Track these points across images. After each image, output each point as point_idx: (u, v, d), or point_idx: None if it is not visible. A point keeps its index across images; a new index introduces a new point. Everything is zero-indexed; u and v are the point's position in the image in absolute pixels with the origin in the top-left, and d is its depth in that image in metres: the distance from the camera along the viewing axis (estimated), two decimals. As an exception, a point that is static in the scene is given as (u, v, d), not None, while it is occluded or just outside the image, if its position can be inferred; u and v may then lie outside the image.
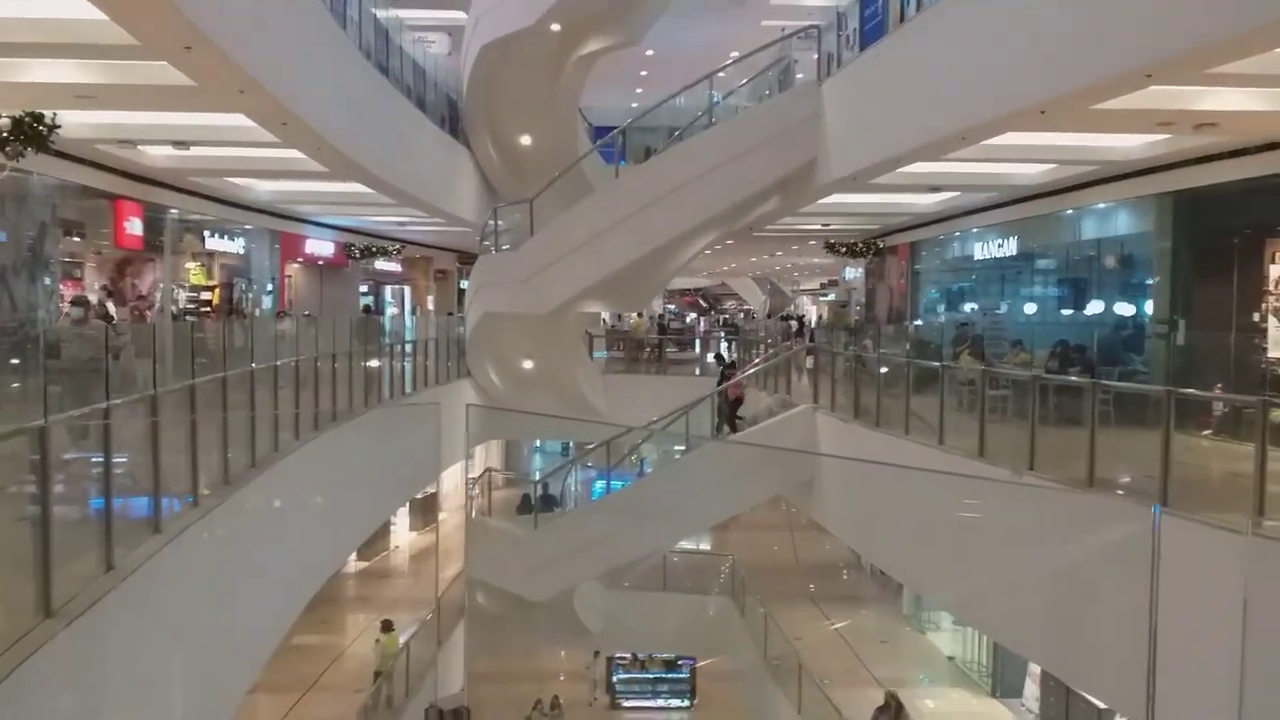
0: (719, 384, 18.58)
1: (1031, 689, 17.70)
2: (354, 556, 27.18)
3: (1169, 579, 7.28)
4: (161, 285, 17.55)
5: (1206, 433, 9.18)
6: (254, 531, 9.64)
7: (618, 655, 23.26)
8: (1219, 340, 11.89)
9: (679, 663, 23.38)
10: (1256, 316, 12.77)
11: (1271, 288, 12.68)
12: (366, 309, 26.94)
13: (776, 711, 16.50)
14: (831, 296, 43.02)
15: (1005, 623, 10.92)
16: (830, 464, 15.37)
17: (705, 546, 28.36)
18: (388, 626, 18.28)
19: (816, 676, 17.21)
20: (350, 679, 18.11)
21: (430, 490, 31.36)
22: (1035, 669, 17.22)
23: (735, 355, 24.97)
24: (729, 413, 17.70)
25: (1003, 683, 18.54)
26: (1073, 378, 10.74)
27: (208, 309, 18.66)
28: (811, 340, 19.78)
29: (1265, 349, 11.66)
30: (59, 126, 10.47)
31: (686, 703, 23.09)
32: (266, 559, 9.65)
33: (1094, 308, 16.43)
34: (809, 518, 18.91)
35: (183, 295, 18.63)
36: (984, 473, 10.39)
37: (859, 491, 14.68)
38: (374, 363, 15.23)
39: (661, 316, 40.36)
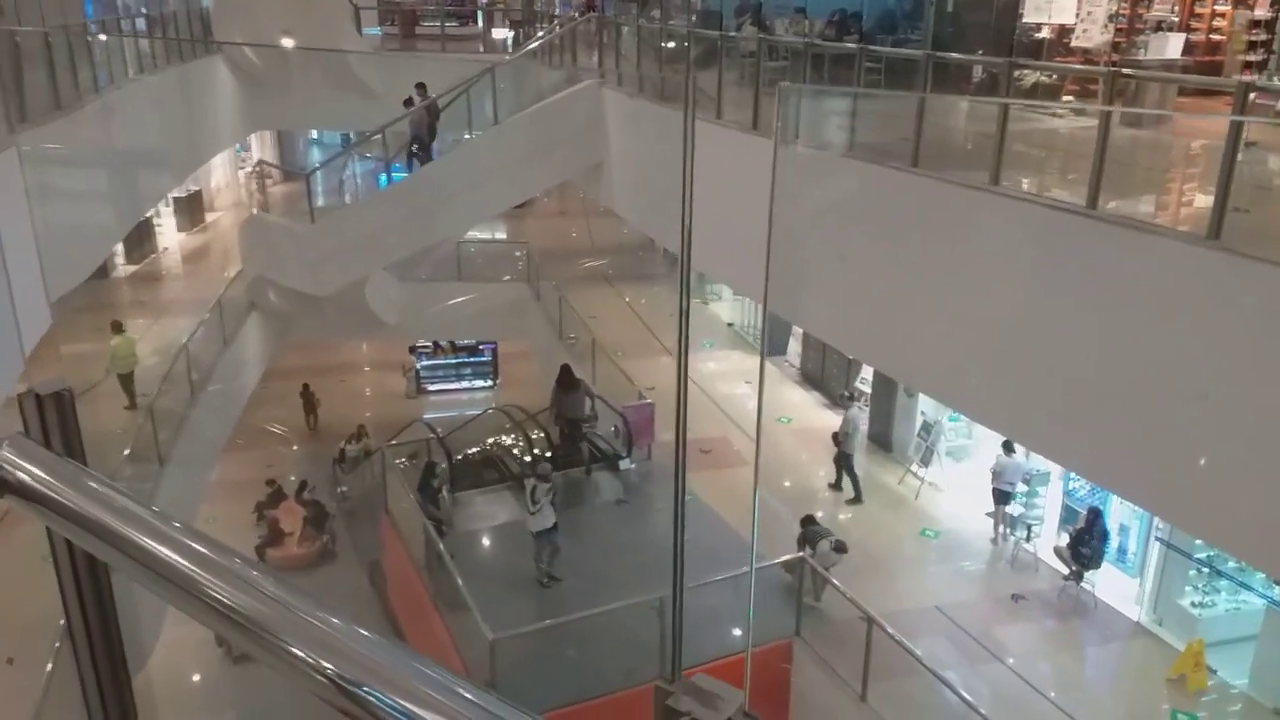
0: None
1: (794, 347, 19.46)
2: (121, 260, 25.47)
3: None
4: None
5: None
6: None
7: (419, 344, 23.66)
8: (983, 8, 12.18)
9: (480, 347, 24.09)
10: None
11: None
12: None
13: (572, 383, 17.43)
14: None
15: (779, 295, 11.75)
16: (619, 146, 15.24)
17: (501, 235, 28.37)
18: (117, 328, 17.42)
19: (609, 349, 18.15)
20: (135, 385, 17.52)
21: (194, 188, 29.23)
22: (798, 330, 18.83)
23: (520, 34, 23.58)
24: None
25: (771, 343, 20.25)
26: (846, 44, 10.82)
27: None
28: (600, 12, 18.82)
29: (1022, 15, 12.03)
30: None
31: (490, 383, 24.07)
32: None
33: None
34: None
35: None
36: (759, 145, 10.60)
37: (646, 174, 14.76)
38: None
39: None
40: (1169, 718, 10.22)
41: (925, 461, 15.08)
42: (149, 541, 1.00)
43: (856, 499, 15.01)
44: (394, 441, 15.74)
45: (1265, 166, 8.27)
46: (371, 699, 0.84)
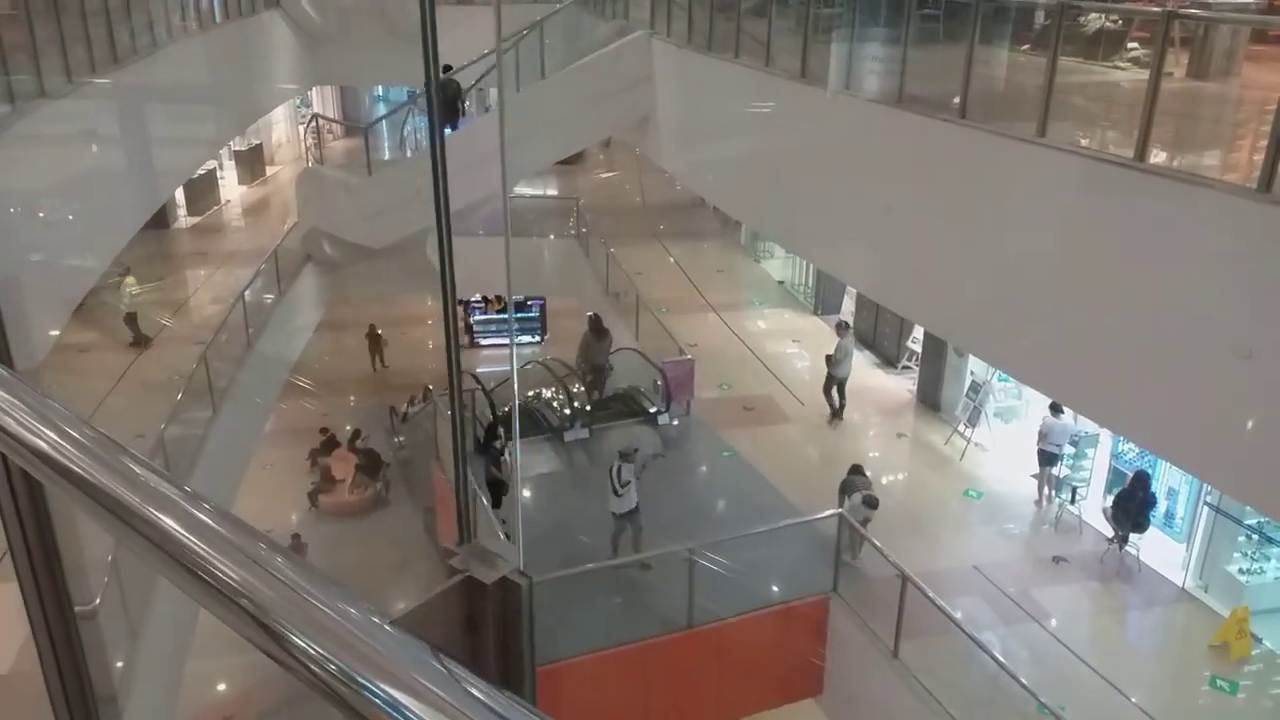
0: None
1: (848, 305, 19.25)
2: (184, 212, 26.12)
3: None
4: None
5: (1025, 48, 9.29)
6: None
7: (473, 299, 23.95)
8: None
9: (529, 303, 24.30)
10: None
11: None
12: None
13: (619, 338, 17.49)
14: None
15: (826, 251, 11.66)
16: (667, 99, 15.13)
17: (553, 192, 28.44)
18: (124, 271, 18.35)
19: (654, 306, 18.16)
20: (192, 330, 18.05)
21: (255, 142, 29.75)
22: (852, 290, 18.62)
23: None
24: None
25: (824, 302, 20.04)
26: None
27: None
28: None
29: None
30: None
31: (538, 338, 24.29)
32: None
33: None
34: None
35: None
36: (808, 94, 10.45)
37: (694, 126, 14.65)
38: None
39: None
40: (1209, 684, 10.07)
41: (972, 422, 14.89)
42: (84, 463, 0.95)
43: (837, 415, 15.81)
44: (444, 394, 16.01)
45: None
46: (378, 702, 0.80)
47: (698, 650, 10.16)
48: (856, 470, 12.09)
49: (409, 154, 19.27)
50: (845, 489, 11.78)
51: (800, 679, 10.80)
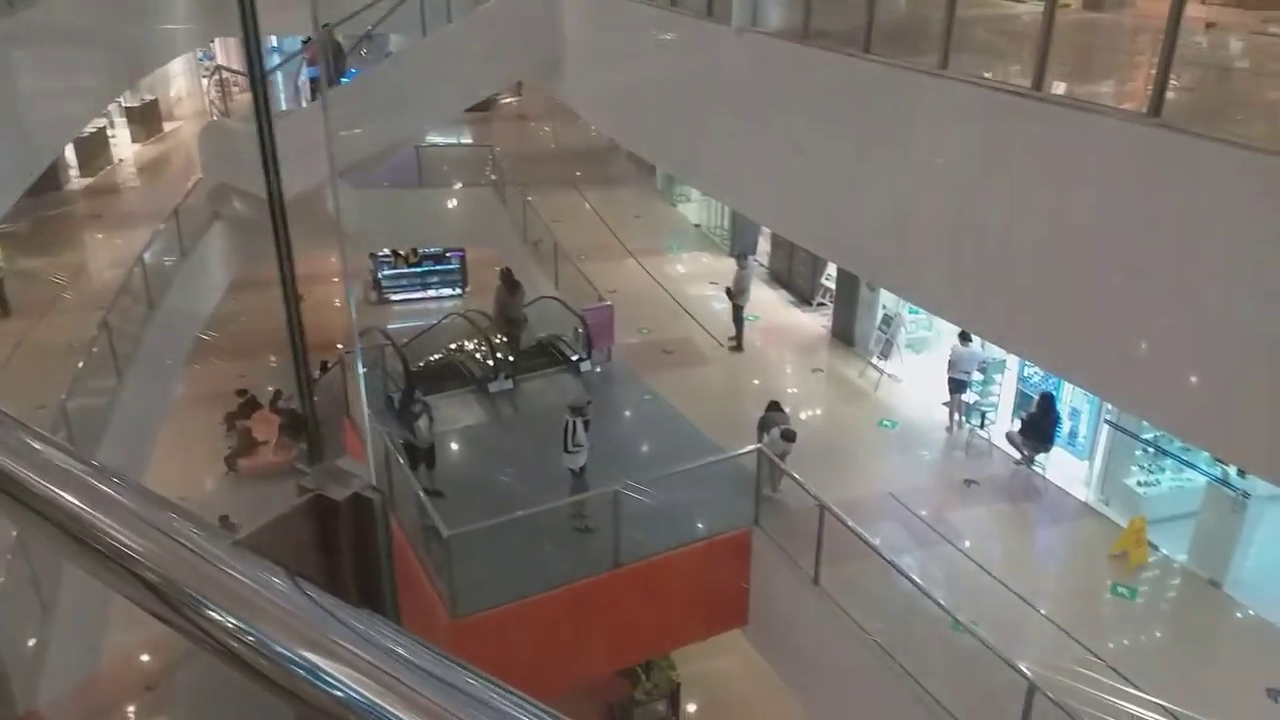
0: None
1: (763, 246, 19.43)
2: (76, 173, 24.95)
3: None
4: None
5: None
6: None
7: (381, 253, 23.46)
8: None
9: (448, 255, 23.92)
10: None
11: None
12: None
13: (539, 286, 17.38)
14: None
15: (737, 190, 11.70)
16: (576, 41, 14.90)
17: (466, 140, 27.91)
18: None
19: (573, 253, 18.07)
20: (92, 298, 17.36)
21: (149, 98, 28.44)
22: (767, 230, 18.80)
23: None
24: None
25: (740, 244, 20.20)
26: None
27: None
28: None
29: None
30: None
31: (459, 290, 23.98)
32: None
33: None
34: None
35: None
36: (714, 33, 10.40)
37: (603, 68, 14.47)
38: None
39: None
40: (1110, 591, 10.64)
41: (885, 354, 15.27)
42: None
43: (738, 347, 16.47)
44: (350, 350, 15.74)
45: (1226, 50, 8.22)
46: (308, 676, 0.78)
47: (626, 589, 10.32)
48: (774, 406, 12.32)
49: (303, 105, 18.71)
50: (764, 425, 12.00)
51: (726, 611, 11.08)
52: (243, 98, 26.52)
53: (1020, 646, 8.84)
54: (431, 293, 23.91)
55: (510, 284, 15.73)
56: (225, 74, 24.66)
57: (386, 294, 23.62)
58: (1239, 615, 10.26)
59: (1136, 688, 9.09)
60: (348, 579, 1.00)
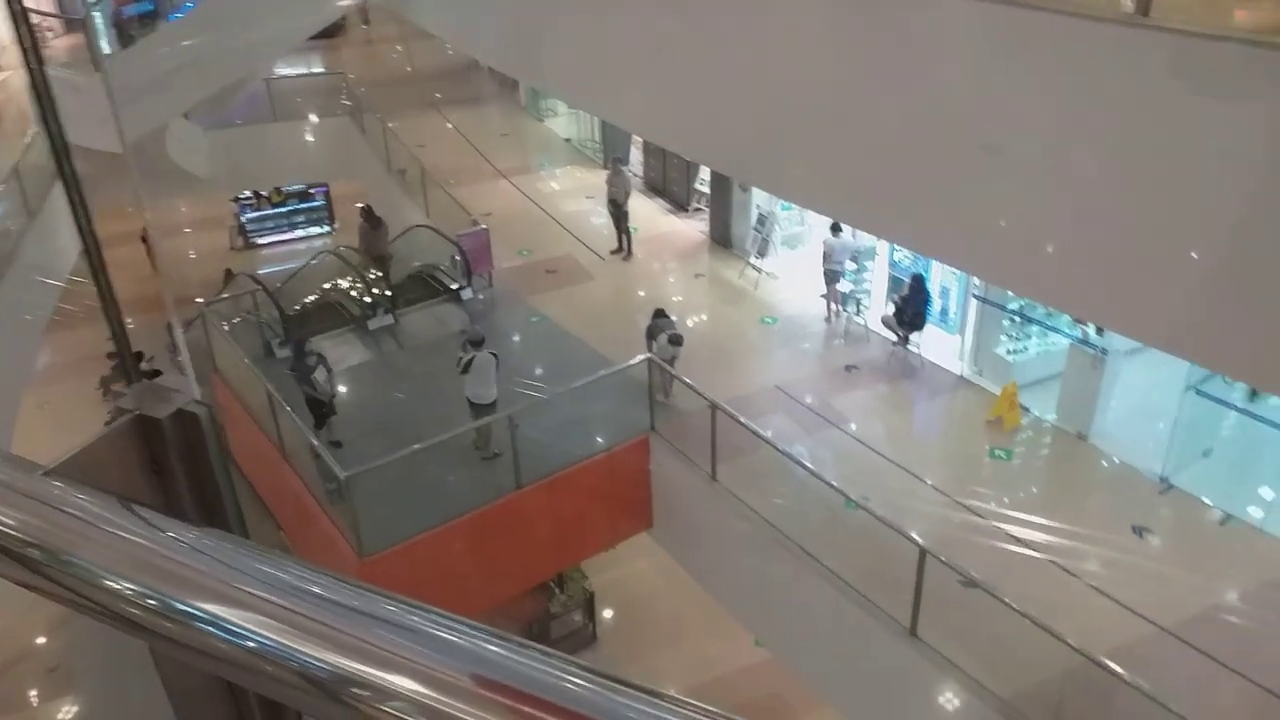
0: None
1: (636, 155, 19.30)
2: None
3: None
4: None
5: None
6: None
7: (242, 196, 22.42)
8: None
9: (311, 191, 23.00)
10: None
11: None
12: None
13: (409, 216, 16.91)
14: None
15: (601, 97, 11.51)
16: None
17: (318, 70, 26.64)
18: None
19: (441, 179, 17.60)
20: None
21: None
22: (638, 139, 18.65)
23: None
24: None
25: (612, 155, 20.00)
26: None
27: None
28: None
29: None
30: None
31: (327, 228, 23.17)
32: None
33: None
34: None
35: None
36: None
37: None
38: None
39: None
40: (989, 455, 11.29)
41: (762, 253, 15.51)
42: None
43: (628, 253, 16.52)
44: (219, 298, 15.15)
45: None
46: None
47: (531, 508, 10.43)
48: (660, 314, 12.43)
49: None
50: (651, 332, 12.12)
51: (631, 517, 11.33)
52: (58, 42, 24.55)
53: (910, 516, 9.33)
54: (299, 233, 23.02)
55: (371, 219, 15.31)
56: (36, 17, 22.74)
57: (253, 238, 22.64)
58: (1105, 464, 11.03)
59: (1019, 542, 9.75)
60: (184, 501, 0.98)
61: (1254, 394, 10.53)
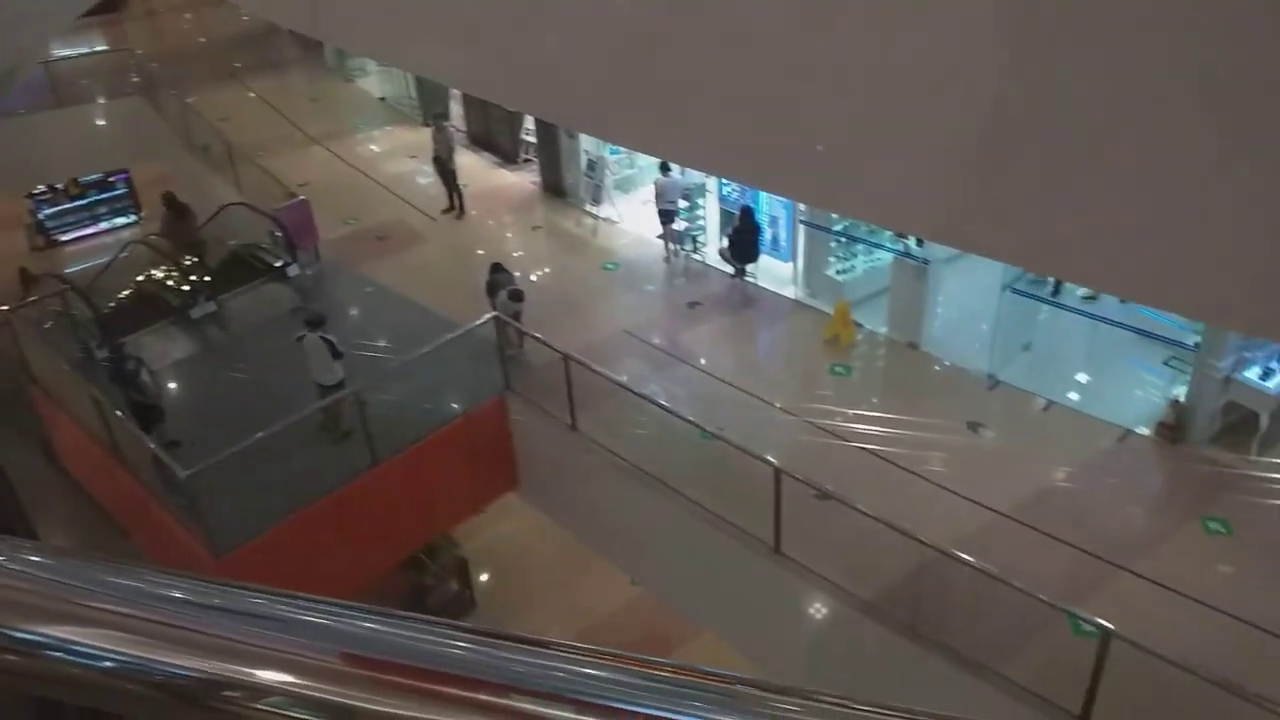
0: None
1: (456, 110, 18.83)
2: None
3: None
4: None
5: None
6: None
7: (35, 192, 20.61)
8: None
9: (110, 179, 21.36)
10: None
11: None
12: None
13: (221, 194, 15.99)
14: None
15: (407, 48, 11.06)
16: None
17: (101, 47, 24.58)
18: None
19: (250, 151, 16.70)
20: None
21: None
22: (456, 93, 18.18)
23: None
24: None
25: (431, 111, 19.44)
26: None
27: None
28: None
29: None
30: None
31: (133, 218, 21.62)
32: None
33: None
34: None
35: None
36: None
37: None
38: None
39: None
40: (829, 372, 11.79)
41: (596, 200, 15.51)
42: None
43: (461, 212, 16.20)
44: (25, 302, 13.96)
45: None
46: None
47: (390, 483, 10.24)
48: (498, 269, 12.29)
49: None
50: (491, 289, 11.98)
51: (496, 478, 11.30)
52: None
53: (764, 439, 9.67)
54: (104, 225, 21.36)
55: (175, 207, 14.38)
56: None
57: (54, 235, 20.88)
58: (937, 368, 11.72)
59: (867, 451, 10.27)
60: None
61: (1058, 286, 11.39)
